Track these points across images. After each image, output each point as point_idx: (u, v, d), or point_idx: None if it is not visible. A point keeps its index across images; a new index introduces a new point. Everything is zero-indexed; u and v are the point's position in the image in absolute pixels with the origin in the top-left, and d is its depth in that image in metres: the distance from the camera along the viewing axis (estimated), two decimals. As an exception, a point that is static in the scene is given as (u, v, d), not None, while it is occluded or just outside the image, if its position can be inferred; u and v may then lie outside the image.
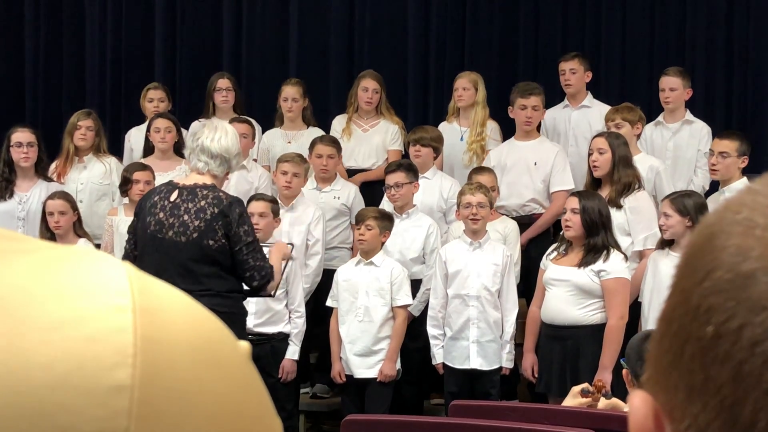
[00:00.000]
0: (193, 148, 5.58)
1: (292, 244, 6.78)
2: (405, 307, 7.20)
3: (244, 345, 0.76)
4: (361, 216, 7.26)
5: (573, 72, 8.37)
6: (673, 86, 8.15)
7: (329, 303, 7.33)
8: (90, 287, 0.69)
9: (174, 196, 5.46)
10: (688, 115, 8.23)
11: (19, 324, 0.67)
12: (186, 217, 5.41)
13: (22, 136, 8.11)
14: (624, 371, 4.15)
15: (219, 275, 5.42)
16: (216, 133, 5.52)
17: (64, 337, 0.66)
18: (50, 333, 0.66)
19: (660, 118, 8.25)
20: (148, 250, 5.53)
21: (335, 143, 8.13)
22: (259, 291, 5.60)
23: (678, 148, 8.16)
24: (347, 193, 8.12)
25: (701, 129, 8.18)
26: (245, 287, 5.64)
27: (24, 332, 0.66)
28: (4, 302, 0.68)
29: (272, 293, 5.87)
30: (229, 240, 5.41)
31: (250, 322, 7.20)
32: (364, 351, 7.16)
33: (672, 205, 6.78)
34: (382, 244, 7.21)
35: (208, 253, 5.37)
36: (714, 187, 7.88)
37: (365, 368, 7.16)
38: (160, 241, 5.42)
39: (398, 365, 7.20)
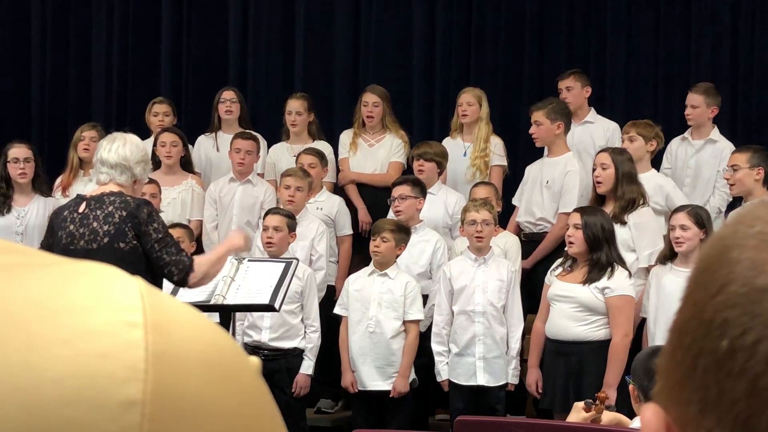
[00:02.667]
0: (94, 163, 5.64)
1: (297, 258, 6.78)
2: (417, 322, 7.17)
3: (255, 361, 0.76)
4: (377, 227, 7.23)
5: (569, 89, 8.35)
6: (694, 103, 8.02)
7: (338, 311, 7.31)
8: (102, 303, 0.69)
9: (82, 207, 5.45)
10: (714, 134, 8.08)
11: (32, 338, 0.67)
12: (95, 224, 5.38)
13: (18, 151, 8.11)
14: (630, 387, 4.14)
15: None
16: (113, 143, 5.53)
17: (77, 353, 0.67)
18: (62, 348, 0.67)
19: (686, 134, 8.15)
20: None
21: (318, 154, 8.15)
22: (182, 285, 5.51)
23: (698, 166, 8.03)
24: (331, 204, 8.13)
25: (723, 149, 7.99)
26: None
27: (36, 347, 0.67)
28: (17, 316, 0.68)
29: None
30: (140, 241, 5.39)
31: (265, 337, 7.19)
32: (375, 363, 7.13)
33: (690, 217, 6.74)
34: (397, 256, 7.20)
35: (120, 257, 5.28)
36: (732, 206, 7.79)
37: (377, 381, 7.13)
38: (72, 252, 5.33)
39: (413, 375, 7.17)
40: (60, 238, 5.47)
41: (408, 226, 7.30)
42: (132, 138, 5.67)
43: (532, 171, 8.03)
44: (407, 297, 7.11)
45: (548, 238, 7.81)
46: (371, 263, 7.26)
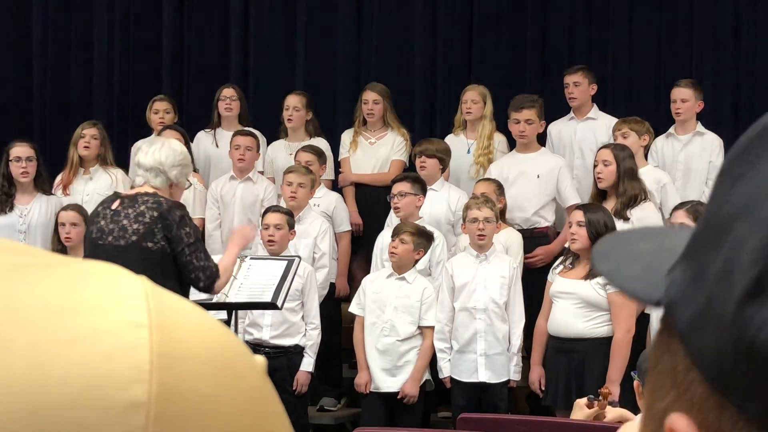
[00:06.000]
0: (132, 166, 5.74)
1: (299, 257, 6.78)
2: (433, 328, 7.15)
3: (260, 360, 0.75)
4: (397, 229, 7.20)
5: (576, 85, 8.38)
6: (684, 97, 8.12)
7: (354, 310, 7.29)
8: (107, 303, 0.69)
9: (116, 204, 5.54)
10: (700, 127, 8.20)
11: (37, 340, 0.66)
12: (125, 222, 5.46)
13: (20, 150, 8.11)
14: (635, 383, 4.13)
15: (158, 281, 5.34)
16: (151, 147, 5.65)
17: (82, 354, 0.66)
18: (67, 349, 0.66)
19: (671, 130, 8.23)
20: (90, 258, 5.50)
21: (316, 151, 8.15)
22: (207, 291, 5.58)
23: (689, 160, 8.13)
24: (328, 201, 8.12)
25: (713, 141, 8.13)
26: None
27: (41, 348, 0.66)
28: (22, 318, 0.67)
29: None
30: (170, 243, 5.42)
31: (266, 334, 7.19)
32: (386, 365, 7.12)
33: (689, 215, 6.75)
34: (416, 261, 7.17)
35: (147, 256, 5.35)
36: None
37: (388, 382, 7.12)
38: (101, 247, 5.45)
39: (428, 375, 7.16)
40: (90, 232, 5.59)
41: (431, 233, 7.24)
42: (171, 143, 5.78)
43: (510, 167, 8.01)
44: (424, 303, 7.09)
45: (565, 231, 7.84)
46: (389, 265, 7.22)
